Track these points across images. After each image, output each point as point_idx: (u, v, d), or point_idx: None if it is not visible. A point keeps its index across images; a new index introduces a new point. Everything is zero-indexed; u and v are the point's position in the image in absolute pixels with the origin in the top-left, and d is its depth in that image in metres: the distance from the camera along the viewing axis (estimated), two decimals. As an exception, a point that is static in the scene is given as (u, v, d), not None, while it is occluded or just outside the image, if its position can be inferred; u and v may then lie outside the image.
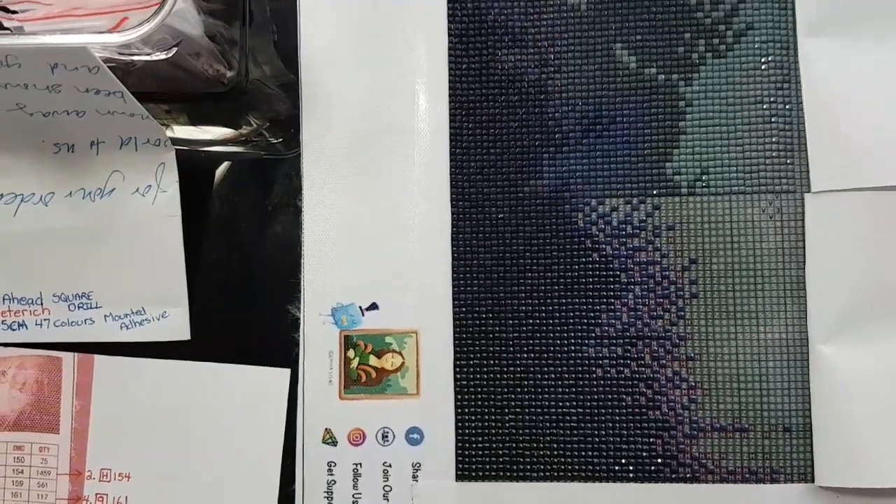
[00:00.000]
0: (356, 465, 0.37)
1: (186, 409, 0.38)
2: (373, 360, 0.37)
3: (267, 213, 0.39)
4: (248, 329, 0.38)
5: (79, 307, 0.38)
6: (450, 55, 0.38)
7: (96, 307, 0.38)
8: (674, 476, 0.35)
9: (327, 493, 0.37)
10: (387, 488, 0.37)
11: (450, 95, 0.38)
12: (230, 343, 0.38)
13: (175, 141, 0.39)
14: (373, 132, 0.38)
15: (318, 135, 0.38)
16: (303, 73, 0.38)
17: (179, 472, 0.38)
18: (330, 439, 0.37)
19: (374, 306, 0.37)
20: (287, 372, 0.37)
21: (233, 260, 0.39)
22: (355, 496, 0.37)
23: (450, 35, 0.38)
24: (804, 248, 0.35)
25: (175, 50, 0.35)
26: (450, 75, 0.38)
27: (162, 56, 0.35)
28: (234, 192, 0.39)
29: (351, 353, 0.37)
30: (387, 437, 0.37)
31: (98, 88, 0.34)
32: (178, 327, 0.38)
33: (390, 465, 0.37)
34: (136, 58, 0.35)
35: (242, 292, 0.38)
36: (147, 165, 0.38)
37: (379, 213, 0.38)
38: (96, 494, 0.38)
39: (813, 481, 0.34)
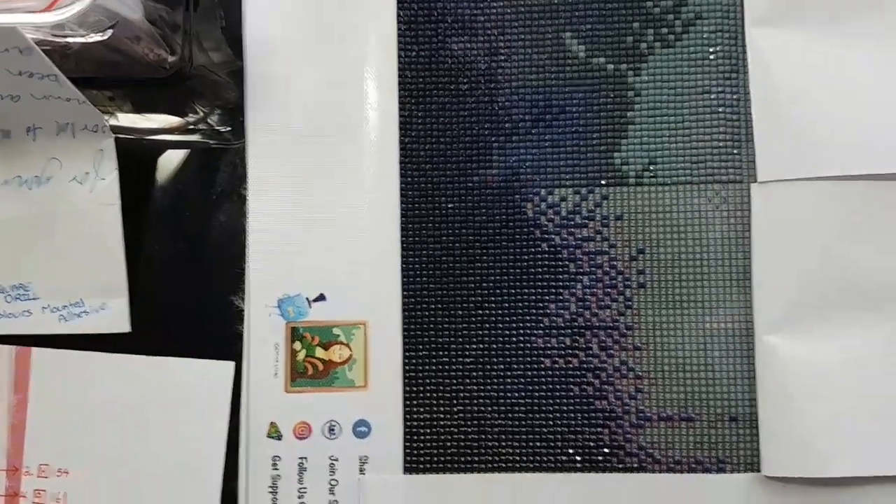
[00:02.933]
0: (302, 459, 0.36)
1: (127, 404, 0.37)
2: (320, 353, 0.37)
3: (210, 202, 0.38)
4: (191, 321, 0.37)
5: (16, 298, 0.37)
6: (399, 42, 0.37)
7: (34, 299, 0.37)
8: (621, 466, 0.35)
9: (272, 487, 0.36)
10: (333, 482, 0.36)
11: (399, 83, 0.37)
12: (172, 335, 0.37)
13: (119, 129, 0.38)
14: (320, 120, 0.37)
15: (264, 122, 0.37)
16: (248, 59, 0.37)
17: (120, 468, 0.37)
18: (275, 433, 0.36)
19: (321, 297, 0.37)
20: (231, 365, 0.37)
21: (175, 250, 0.38)
22: (300, 491, 0.36)
23: (399, 22, 0.37)
24: (750, 238, 0.35)
25: (111, 32, 0.34)
26: (399, 63, 0.37)
27: (97, 38, 0.34)
28: (176, 181, 0.38)
29: (297, 346, 0.37)
30: (333, 430, 0.36)
31: (31, 71, 0.33)
32: (117, 319, 0.37)
33: (337, 459, 0.36)
34: (70, 40, 0.34)
35: (185, 283, 0.37)
36: (85, 152, 0.37)
37: (326, 203, 0.37)
38: (34, 490, 0.37)
39: (759, 471, 0.34)
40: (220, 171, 0.38)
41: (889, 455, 0.33)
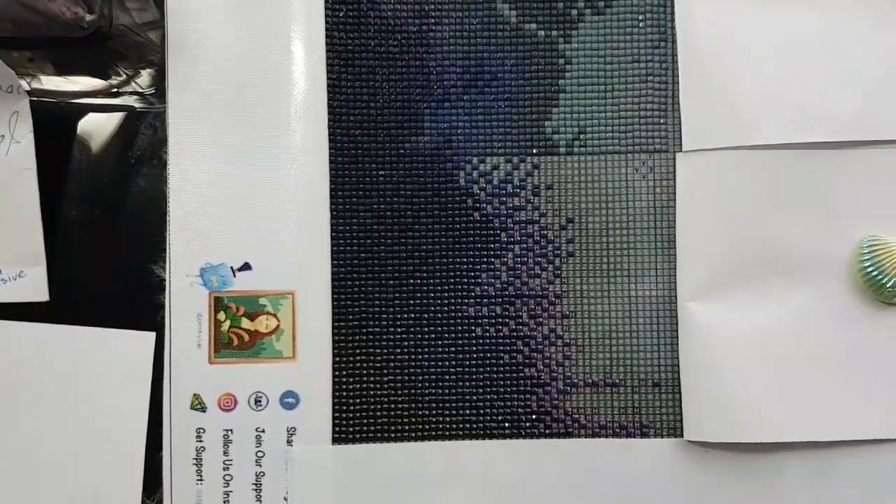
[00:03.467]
0: (227, 431, 0.35)
1: (45, 375, 0.36)
2: (245, 323, 0.36)
3: (129, 167, 0.37)
4: (110, 290, 0.36)
5: (-74, 268, 0.36)
6: (326, 1, 0.36)
7: (-54, 268, 0.36)
8: (547, 431, 0.35)
9: (196, 459, 0.35)
10: (259, 454, 0.35)
11: (327, 44, 0.36)
12: (91, 305, 0.36)
13: (40, 92, 0.37)
14: (245, 81, 0.36)
15: (186, 83, 0.36)
16: (169, 17, 0.36)
17: (39, 441, 0.35)
18: (199, 405, 0.35)
19: (246, 266, 0.36)
20: (152, 336, 0.35)
21: (94, 216, 0.37)
22: (226, 463, 0.35)
23: (327, -19, 0.36)
24: (675, 207, 0.36)
25: (21, -14, 0.32)
26: (327, 23, 0.36)
27: (9, -7, 0.33)
28: (97, 145, 0.37)
29: (222, 316, 0.36)
30: (260, 401, 0.35)
31: (-64, 27, 0.31)
32: (35, 288, 0.36)
33: (263, 431, 0.35)
34: (-22, -6, 0.32)
35: (104, 251, 0.36)
36: (-1, 114, 0.35)
37: (252, 168, 0.36)
38: (-51, 467, 0.36)
39: (682, 436, 0.35)
40: (139, 135, 0.37)
41: (806, 421, 0.34)
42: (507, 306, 0.36)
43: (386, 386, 0.36)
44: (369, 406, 0.36)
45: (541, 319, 0.36)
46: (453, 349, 0.36)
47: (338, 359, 0.36)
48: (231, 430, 0.35)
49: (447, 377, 0.36)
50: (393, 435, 0.36)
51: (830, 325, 0.35)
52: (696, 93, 0.35)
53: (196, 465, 0.35)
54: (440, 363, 0.36)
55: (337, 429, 0.35)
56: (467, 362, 0.36)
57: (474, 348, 0.36)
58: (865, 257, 0.34)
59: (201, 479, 0.35)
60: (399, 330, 0.36)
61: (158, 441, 0.35)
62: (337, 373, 0.36)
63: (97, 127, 0.37)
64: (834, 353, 0.34)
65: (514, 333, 0.36)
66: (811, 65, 0.35)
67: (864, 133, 0.35)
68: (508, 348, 0.36)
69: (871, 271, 0.34)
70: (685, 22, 0.35)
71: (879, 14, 0.35)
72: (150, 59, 0.37)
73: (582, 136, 0.36)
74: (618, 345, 0.36)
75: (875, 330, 0.35)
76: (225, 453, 0.35)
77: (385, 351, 0.36)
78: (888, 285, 0.34)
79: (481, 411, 0.36)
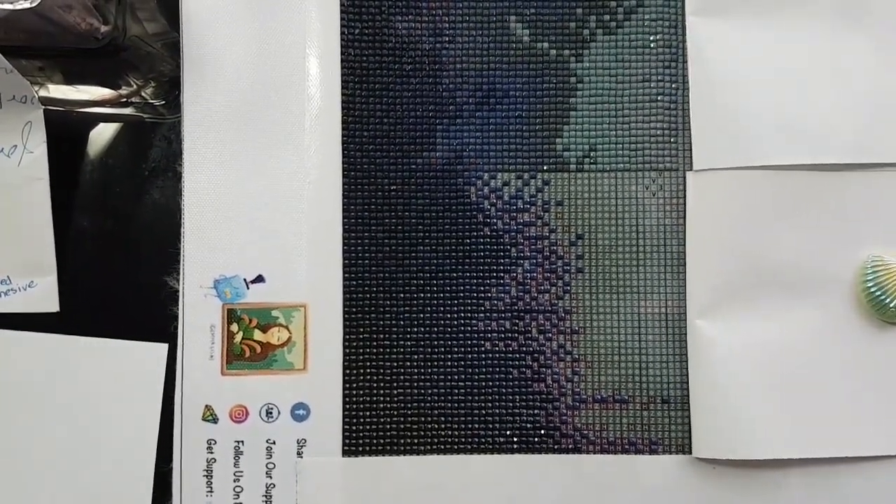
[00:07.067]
0: (238, 442, 0.35)
1: (55, 385, 0.36)
2: (258, 335, 0.36)
3: (144, 179, 0.37)
4: (123, 301, 0.36)
5: (-63, 276, 0.36)
6: (342, 18, 0.37)
7: (-43, 276, 0.36)
8: (556, 447, 0.36)
9: (206, 471, 0.35)
10: (270, 465, 0.36)
11: (342, 60, 0.36)
12: (102, 316, 0.36)
13: (49, 101, 0.37)
14: (260, 96, 0.36)
15: (201, 97, 0.36)
16: (185, 30, 0.36)
17: (48, 451, 0.36)
18: (210, 416, 0.36)
19: (259, 279, 0.36)
20: (164, 347, 0.36)
21: (106, 227, 0.37)
22: (237, 474, 0.35)
23: (342, -3, 0.37)
24: (685, 225, 0.36)
25: (40, 0, 0.32)
26: (342, 39, 0.37)
27: (26, 5, 0.33)
28: (108, 155, 0.37)
29: (234, 328, 0.36)
30: (271, 413, 0.36)
31: (-47, 37, 0.31)
32: (46, 298, 0.36)
33: (274, 442, 0.36)
34: (-4, 5, 0.32)
35: (116, 262, 0.36)
36: (13, 124, 0.35)
37: (266, 181, 0.36)
38: (-44, 476, 0.36)
39: (690, 452, 0.35)
40: (154, 147, 0.37)
41: (813, 438, 0.34)
42: (517, 321, 0.36)
43: (396, 399, 0.36)
44: (379, 419, 0.36)
45: (550, 335, 0.36)
46: (463, 363, 0.36)
47: (348, 371, 0.36)
48: (242, 442, 0.35)
49: (457, 391, 0.36)
50: (402, 448, 0.36)
51: (835, 344, 0.35)
52: (707, 113, 0.36)
53: (206, 476, 0.35)
54: (450, 377, 0.36)
55: (347, 441, 0.36)
56: (477, 376, 0.36)
57: (484, 363, 0.36)
58: (869, 277, 0.35)
59: (211, 491, 0.35)
60: (409, 343, 0.36)
61: (169, 452, 0.35)
62: (347, 385, 0.36)
63: (109, 137, 0.37)
64: (839, 371, 0.35)
65: (524, 348, 0.36)
66: (819, 88, 0.35)
67: (869, 156, 0.35)
68: (518, 363, 0.36)
69: (875, 291, 0.35)
70: (696, 43, 0.36)
71: (882, 40, 0.36)
72: (160, 70, 0.37)
73: (592, 154, 0.36)
74: (627, 361, 0.36)
75: (878, 348, 0.35)
76: (235, 465, 0.35)
77: (395, 364, 0.36)
78: (891, 305, 0.35)
79: (490, 426, 0.36)
